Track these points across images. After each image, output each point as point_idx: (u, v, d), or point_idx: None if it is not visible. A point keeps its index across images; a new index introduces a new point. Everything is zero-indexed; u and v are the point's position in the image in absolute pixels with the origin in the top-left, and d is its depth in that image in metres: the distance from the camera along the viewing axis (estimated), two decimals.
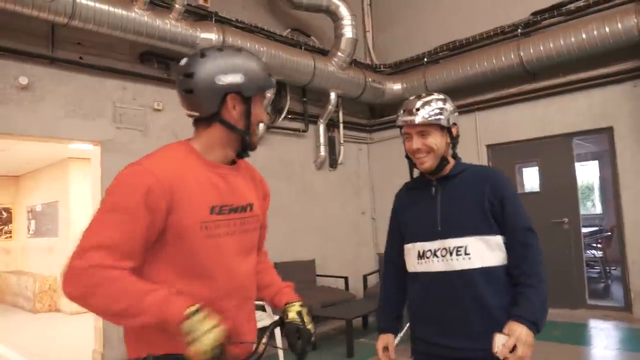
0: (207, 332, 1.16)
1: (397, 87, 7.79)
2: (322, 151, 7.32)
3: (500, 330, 1.62)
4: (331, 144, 7.63)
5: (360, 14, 8.35)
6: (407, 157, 1.92)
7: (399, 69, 8.04)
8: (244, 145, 1.49)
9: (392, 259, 2.01)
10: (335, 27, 6.95)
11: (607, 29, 5.61)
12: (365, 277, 6.94)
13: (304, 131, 7.17)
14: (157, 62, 5.58)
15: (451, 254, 1.72)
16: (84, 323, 7.16)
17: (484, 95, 7.07)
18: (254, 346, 1.46)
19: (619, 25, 5.52)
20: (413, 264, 1.87)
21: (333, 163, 7.67)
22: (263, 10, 6.99)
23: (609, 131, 6.08)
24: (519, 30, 6.57)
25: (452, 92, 7.21)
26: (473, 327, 1.69)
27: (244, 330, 1.47)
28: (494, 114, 7.01)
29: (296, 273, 6.03)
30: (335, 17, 6.89)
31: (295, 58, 6.39)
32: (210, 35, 5.43)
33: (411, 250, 1.87)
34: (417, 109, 1.76)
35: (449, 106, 1.80)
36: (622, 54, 5.73)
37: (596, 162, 10.99)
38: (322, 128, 7.30)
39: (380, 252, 7.78)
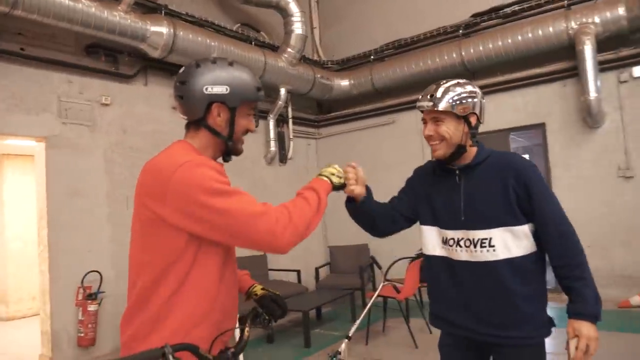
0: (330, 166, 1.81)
1: (344, 83, 7.96)
2: (272, 146, 7.37)
3: (524, 318, 1.70)
4: (281, 139, 7.69)
5: (308, 10, 8.44)
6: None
7: (346, 65, 8.22)
8: (228, 150, 1.61)
9: (395, 206, 2.02)
10: (285, 23, 7.00)
11: (540, 32, 6.05)
12: (317, 270, 7.08)
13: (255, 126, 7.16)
14: (105, 55, 5.39)
15: (475, 245, 1.73)
16: (21, 329, 6.84)
17: None
18: (240, 333, 1.55)
19: (551, 29, 5.97)
20: (434, 247, 1.88)
21: (283, 158, 7.73)
22: (212, 4, 6.91)
23: (541, 127, 6.56)
24: (461, 31, 6.93)
25: (397, 89, 7.56)
26: (497, 316, 1.73)
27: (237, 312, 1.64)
28: None
29: (248, 267, 5.96)
30: (285, 13, 6.94)
31: (246, 53, 6.39)
32: (160, 29, 5.33)
33: (431, 232, 1.89)
34: (432, 95, 1.74)
35: (464, 92, 1.75)
36: (554, 55, 6.20)
37: (527, 156, 11.76)
38: (272, 123, 7.34)
39: (330, 244, 7.96)
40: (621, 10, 5.56)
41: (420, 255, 5.69)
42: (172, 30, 5.41)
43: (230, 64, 1.57)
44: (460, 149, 1.77)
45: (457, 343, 1.88)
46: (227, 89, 1.52)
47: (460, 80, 1.81)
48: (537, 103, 6.51)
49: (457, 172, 1.82)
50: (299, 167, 8.09)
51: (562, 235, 1.67)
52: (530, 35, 6.11)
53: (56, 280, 4.79)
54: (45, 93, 4.90)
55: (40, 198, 4.90)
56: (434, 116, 1.76)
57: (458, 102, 1.72)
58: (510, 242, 1.71)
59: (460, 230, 1.78)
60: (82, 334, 4.78)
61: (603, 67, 5.82)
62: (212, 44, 5.89)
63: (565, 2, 6.12)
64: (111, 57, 5.48)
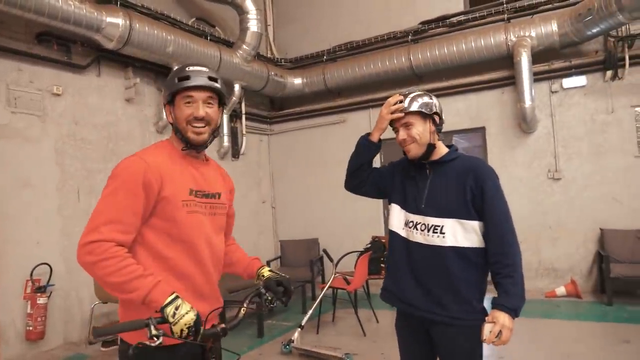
0: (183, 315, 1.45)
1: (297, 81, 8.13)
2: (225, 141, 7.43)
3: (461, 300, 1.92)
4: (234, 135, 7.76)
5: (263, 8, 8.52)
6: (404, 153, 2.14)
7: (299, 64, 8.38)
8: (184, 140, 1.71)
9: (373, 173, 2.27)
10: (241, 20, 7.07)
11: (482, 42, 6.49)
12: (268, 263, 7.23)
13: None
14: (57, 44, 5.28)
15: (429, 230, 1.98)
16: None
17: (378, 94, 7.69)
18: (237, 311, 1.71)
19: (492, 40, 6.43)
20: (398, 226, 2.12)
21: (235, 153, 7.81)
22: None
23: (482, 130, 7.04)
24: (410, 37, 7.28)
25: (348, 89, 7.84)
26: (439, 295, 1.96)
27: (219, 295, 1.80)
28: None
29: None
30: (240, 10, 7.01)
31: (202, 48, 6.42)
32: (116, 20, 5.27)
33: (397, 212, 2.14)
34: (402, 102, 2.01)
35: (428, 99, 2.02)
36: (494, 64, 6.68)
37: None
38: (225, 119, 7.40)
39: (281, 239, 8.13)
40: (554, 27, 6.08)
41: (369, 249, 6.01)
42: (128, 22, 5.37)
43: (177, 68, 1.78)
44: (430, 147, 2.02)
45: (410, 323, 2.13)
46: (163, 92, 1.75)
47: (420, 92, 2.07)
48: (478, 108, 6.98)
49: (427, 166, 2.07)
50: (251, 162, 8.20)
51: (503, 237, 1.91)
52: (473, 44, 6.54)
53: (3, 273, 4.67)
54: None
55: None
56: (404, 122, 2.02)
57: (424, 104, 2.00)
58: (459, 233, 1.95)
59: (419, 215, 2.03)
60: (30, 328, 4.69)
61: (537, 77, 6.35)
62: (168, 37, 5.88)
63: (506, 15, 6.60)
64: (63, 46, 5.36)
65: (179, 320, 1.44)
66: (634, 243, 5.76)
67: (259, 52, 7.56)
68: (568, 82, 6.36)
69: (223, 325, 1.60)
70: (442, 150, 2.08)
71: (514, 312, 1.84)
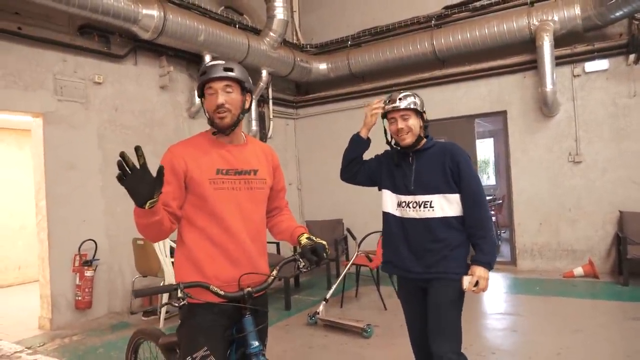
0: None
1: (322, 66, 8.34)
2: (254, 125, 7.74)
3: (449, 259, 2.35)
4: (261, 119, 8.06)
5: None
6: (388, 143, 2.60)
7: (324, 49, 8.58)
8: (214, 126, 1.97)
9: (366, 163, 2.71)
10: (268, 7, 7.29)
11: (505, 27, 6.57)
12: None
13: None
14: (97, 36, 5.64)
15: (420, 206, 2.42)
16: (19, 295, 7.14)
17: (401, 79, 7.85)
18: (267, 278, 2.00)
19: (515, 25, 6.50)
20: (391, 207, 2.54)
21: (263, 137, 8.12)
22: None
23: (503, 114, 7.16)
24: (433, 22, 7.39)
25: (372, 74, 8.03)
26: (430, 258, 2.39)
27: (258, 263, 2.02)
28: None
29: None
30: None
31: (231, 36, 6.69)
32: (152, 12, 5.57)
33: (389, 196, 2.56)
34: (400, 99, 2.40)
35: (418, 100, 2.45)
36: (516, 48, 6.76)
37: (492, 140, 12.46)
38: (253, 104, 7.69)
39: (307, 219, 8.46)
40: (577, 10, 6.12)
41: None
42: (162, 14, 5.67)
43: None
44: (419, 138, 2.46)
45: (408, 288, 2.55)
46: (198, 82, 1.98)
47: (408, 93, 2.47)
48: (500, 92, 7.09)
49: (411, 154, 2.49)
50: (278, 145, 8.49)
51: (475, 205, 2.35)
52: (495, 29, 6.63)
53: (54, 248, 5.13)
54: (42, 71, 5.14)
55: (37, 171, 5.19)
56: (402, 114, 2.41)
57: (417, 102, 2.43)
58: (445, 205, 2.38)
59: (410, 195, 2.45)
60: (79, 298, 5.16)
61: (559, 61, 6.42)
62: (200, 27, 6.17)
63: None
64: (103, 37, 5.73)
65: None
66: None
67: (285, 39, 7.79)
68: (590, 65, 6.41)
69: (249, 289, 1.88)
70: (421, 141, 2.49)
71: (488, 265, 2.31)
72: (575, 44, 6.46)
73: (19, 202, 7.96)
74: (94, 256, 5.35)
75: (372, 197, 8.21)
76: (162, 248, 4.93)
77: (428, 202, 2.40)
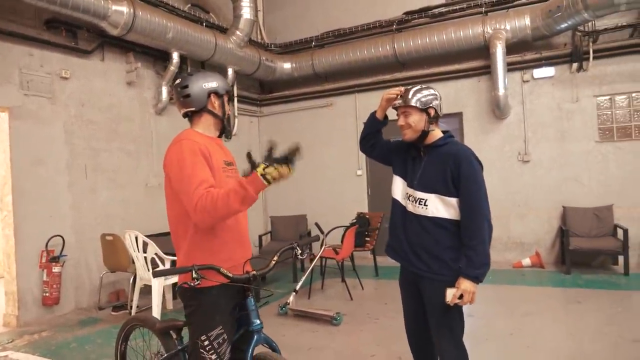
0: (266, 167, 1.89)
1: (287, 65, 8.52)
2: None
3: (440, 260, 2.32)
4: None
5: None
6: None
7: (288, 49, 8.76)
8: (223, 128, 2.24)
9: (385, 143, 2.72)
10: (235, 7, 7.40)
11: (461, 33, 7.00)
12: (260, 238, 7.76)
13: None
14: (65, 30, 5.59)
15: (416, 202, 2.42)
16: None
17: (363, 79, 8.18)
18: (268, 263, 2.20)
19: (470, 32, 6.94)
20: (400, 195, 2.55)
21: (228, 134, 8.19)
22: None
23: (459, 115, 7.59)
24: (394, 26, 7.73)
25: (335, 74, 8.31)
26: (424, 254, 2.39)
27: (249, 244, 2.27)
28: (371, 96, 8.11)
29: None
30: None
31: (199, 34, 6.76)
32: (121, 8, 5.58)
33: (400, 183, 2.57)
34: (405, 96, 2.41)
35: (426, 95, 2.39)
36: (472, 54, 7.20)
37: None
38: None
39: (271, 215, 8.62)
40: (527, 21, 6.61)
41: (354, 223, 6.54)
42: (132, 10, 5.69)
43: (207, 72, 2.25)
44: (424, 133, 2.41)
45: (407, 277, 2.58)
46: (216, 83, 2.19)
47: (423, 85, 2.49)
48: (456, 95, 7.52)
49: (422, 149, 2.48)
50: (242, 142, 8.61)
51: (472, 213, 2.27)
52: (453, 35, 7.04)
53: (21, 244, 5.08)
54: (7, 65, 5.07)
55: (3, 166, 5.11)
56: (404, 111, 2.43)
57: (419, 100, 2.39)
58: (440, 206, 2.35)
59: (411, 189, 2.46)
60: (47, 294, 5.13)
61: (510, 67, 6.91)
62: (169, 24, 6.22)
63: (483, 9, 7.10)
64: (70, 32, 5.69)
65: (270, 174, 1.87)
66: (591, 220, 6.44)
67: (250, 38, 7.91)
68: (538, 72, 6.93)
69: (254, 272, 2.08)
70: (435, 136, 2.45)
71: (475, 279, 2.24)
72: (525, 51, 6.97)
73: None
74: (61, 252, 5.32)
75: (333, 194, 8.54)
76: (134, 243, 4.99)
77: (424, 200, 2.39)
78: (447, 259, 2.35)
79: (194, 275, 1.87)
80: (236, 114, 8.34)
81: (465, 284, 2.24)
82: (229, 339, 2.06)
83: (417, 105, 2.39)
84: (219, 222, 2.00)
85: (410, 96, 2.41)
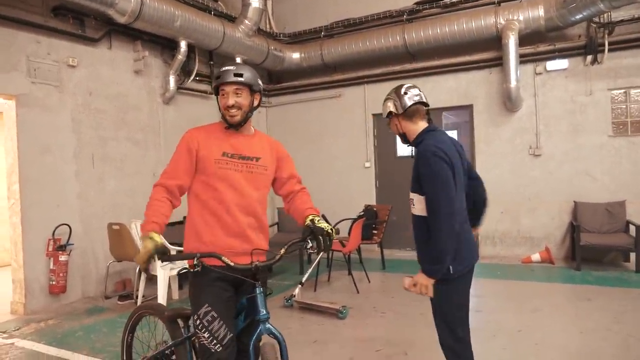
0: (149, 243, 2.01)
1: (295, 55, 8.43)
2: None
3: (424, 256, 2.37)
4: None
5: None
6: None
7: (297, 39, 8.67)
8: (226, 121, 2.27)
9: None
10: None
11: (473, 24, 6.87)
12: None
13: (211, 93, 7.54)
14: (72, 18, 5.55)
15: (411, 201, 2.48)
16: None
17: (372, 70, 8.07)
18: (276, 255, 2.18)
19: (482, 22, 6.80)
20: None
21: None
22: None
23: (469, 108, 7.48)
24: (405, 16, 7.61)
25: (344, 65, 8.21)
26: (418, 251, 2.48)
27: (254, 240, 2.24)
28: (380, 88, 8.02)
29: None
30: None
31: (207, 23, 6.70)
32: None
33: None
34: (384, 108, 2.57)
35: (386, 104, 2.53)
36: (483, 45, 7.07)
37: (455, 132, 12.88)
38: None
39: (278, 206, 8.58)
40: (541, 11, 6.47)
41: (362, 216, 6.49)
42: None
43: (226, 66, 2.27)
44: (403, 135, 2.56)
45: None
46: (214, 82, 2.27)
47: (390, 96, 2.55)
48: (467, 87, 7.41)
49: (413, 149, 2.52)
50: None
51: (430, 211, 2.29)
52: (464, 26, 6.91)
53: (28, 232, 5.08)
54: (15, 52, 5.05)
55: (10, 154, 5.11)
56: (388, 123, 2.63)
57: (384, 109, 2.55)
58: (419, 205, 2.38)
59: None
60: (53, 283, 5.14)
61: (523, 59, 6.76)
62: (176, 12, 6.16)
63: None
64: (77, 20, 5.65)
65: (143, 246, 2.01)
66: (603, 215, 6.33)
67: (259, 27, 7.83)
68: (551, 64, 6.80)
69: (256, 263, 2.09)
70: (415, 133, 2.51)
71: (427, 272, 2.30)
72: (538, 43, 6.83)
73: None
74: (68, 240, 5.32)
75: (341, 186, 8.48)
76: (139, 232, 4.96)
77: (412, 199, 2.48)
78: (424, 253, 2.41)
79: (195, 261, 2.03)
80: None
81: (418, 276, 2.34)
82: (219, 317, 2.08)
83: (385, 115, 2.58)
84: None
85: (383, 110, 2.59)
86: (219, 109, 2.26)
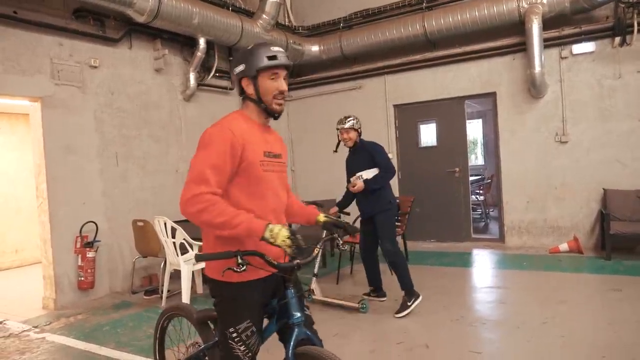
0: (277, 232, 1.78)
1: (314, 48, 8.39)
2: None
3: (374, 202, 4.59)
4: None
5: None
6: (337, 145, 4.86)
7: (316, 31, 8.62)
8: (266, 110, 2.04)
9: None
10: None
11: (495, 9, 6.68)
12: (289, 224, 7.73)
13: (231, 89, 7.60)
14: (92, 19, 5.65)
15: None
16: (17, 277, 7.24)
17: (392, 60, 7.96)
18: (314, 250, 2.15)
19: (504, 7, 6.61)
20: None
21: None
22: None
23: (493, 95, 7.32)
24: (424, 4, 7.48)
25: (364, 56, 8.12)
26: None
27: None
28: (401, 78, 7.95)
29: None
30: None
31: (225, 19, 6.72)
32: None
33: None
34: (345, 121, 4.57)
35: (354, 121, 4.57)
36: (505, 31, 6.88)
37: (480, 121, 12.64)
38: None
39: (301, 200, 8.59)
40: None
41: None
42: None
43: (258, 44, 2.07)
44: (355, 143, 4.66)
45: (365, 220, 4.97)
46: (243, 66, 1.99)
47: (349, 118, 4.60)
48: (489, 74, 7.23)
49: (352, 150, 4.56)
50: (271, 127, 8.56)
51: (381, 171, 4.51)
52: (486, 11, 6.74)
53: (56, 230, 5.23)
54: (39, 55, 5.17)
55: (37, 154, 5.25)
56: (347, 130, 4.61)
57: (353, 124, 4.57)
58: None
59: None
60: (82, 278, 5.29)
61: (547, 43, 6.56)
62: (194, 9, 6.20)
63: None
64: (98, 21, 5.74)
65: (277, 237, 1.77)
66: (634, 202, 6.11)
67: (277, 21, 7.82)
68: (577, 48, 6.57)
69: (298, 261, 1.98)
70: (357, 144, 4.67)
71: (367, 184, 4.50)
72: (563, 26, 6.60)
73: (14, 186, 8.00)
74: (94, 237, 5.46)
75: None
76: (163, 229, 5.05)
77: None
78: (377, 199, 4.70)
79: (239, 260, 1.76)
80: None
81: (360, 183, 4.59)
82: (258, 330, 1.99)
83: (353, 126, 4.63)
84: (195, 221, 1.84)
85: (346, 121, 4.62)
86: (258, 95, 1.97)
